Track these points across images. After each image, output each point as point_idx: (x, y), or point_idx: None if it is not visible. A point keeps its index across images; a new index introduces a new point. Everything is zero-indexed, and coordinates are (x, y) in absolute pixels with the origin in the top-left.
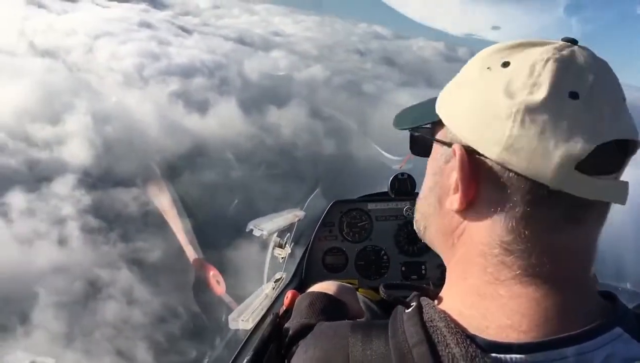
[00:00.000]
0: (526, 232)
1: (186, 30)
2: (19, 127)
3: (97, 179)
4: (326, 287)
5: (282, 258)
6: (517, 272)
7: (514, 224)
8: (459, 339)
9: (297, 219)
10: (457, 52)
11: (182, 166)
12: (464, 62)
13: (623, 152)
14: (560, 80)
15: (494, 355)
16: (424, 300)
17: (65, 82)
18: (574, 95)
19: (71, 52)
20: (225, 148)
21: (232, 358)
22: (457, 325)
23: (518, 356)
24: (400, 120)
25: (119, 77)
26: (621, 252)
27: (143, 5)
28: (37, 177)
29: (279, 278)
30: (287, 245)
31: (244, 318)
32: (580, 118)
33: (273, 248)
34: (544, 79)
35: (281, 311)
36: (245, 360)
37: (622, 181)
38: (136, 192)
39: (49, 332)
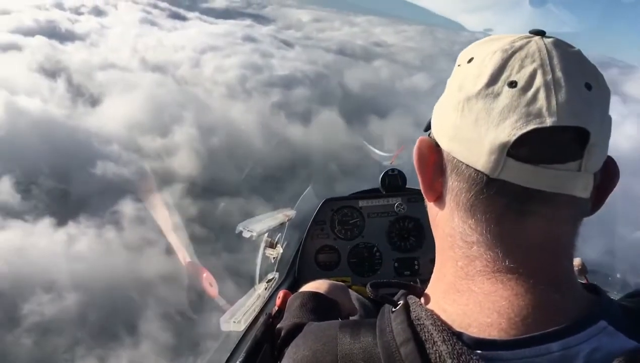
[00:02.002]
0: (473, 222)
1: (288, 44)
2: (131, 138)
3: (203, 189)
4: (318, 286)
5: (274, 258)
6: (483, 266)
7: (463, 214)
8: (445, 337)
9: (287, 219)
10: None
11: (284, 178)
12: None
13: (579, 141)
14: (500, 70)
15: (479, 352)
16: (411, 299)
17: (173, 95)
18: (512, 84)
19: (179, 67)
20: (328, 159)
21: (225, 360)
22: (443, 323)
23: (503, 352)
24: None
25: (224, 90)
26: None
27: (248, 21)
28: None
29: (271, 279)
30: (278, 244)
31: (236, 319)
32: (513, 105)
33: (264, 249)
34: (487, 70)
35: (274, 311)
36: (238, 362)
37: (579, 172)
38: (241, 202)
39: (156, 343)
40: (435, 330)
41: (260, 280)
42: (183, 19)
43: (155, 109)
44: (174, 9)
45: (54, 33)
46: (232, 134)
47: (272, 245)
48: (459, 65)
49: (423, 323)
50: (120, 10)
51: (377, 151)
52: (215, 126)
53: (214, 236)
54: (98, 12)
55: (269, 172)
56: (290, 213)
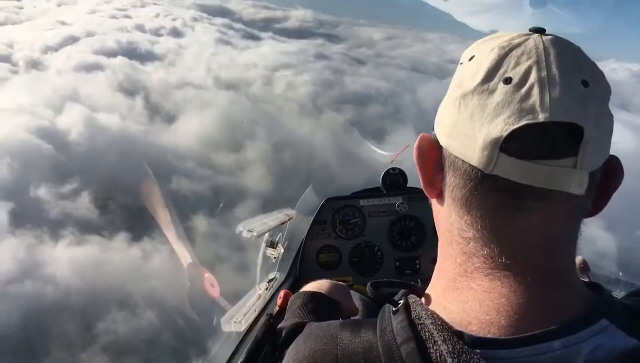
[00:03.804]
0: (468, 218)
1: (360, 62)
2: (205, 155)
3: (275, 206)
4: (319, 285)
5: (275, 258)
6: (480, 263)
7: (459, 210)
8: (445, 336)
9: (288, 219)
10: None
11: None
12: None
13: (573, 137)
14: (496, 67)
15: (480, 351)
16: (411, 298)
17: (246, 112)
18: (507, 80)
19: (252, 84)
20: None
21: (226, 360)
22: (444, 322)
23: (504, 351)
24: None
25: (295, 107)
26: None
27: (320, 40)
28: (220, 203)
29: (272, 279)
30: (279, 244)
31: (237, 320)
32: (507, 101)
33: (265, 249)
34: (484, 67)
35: (275, 311)
36: (239, 362)
37: (575, 169)
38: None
39: None
40: (436, 329)
41: (261, 280)
42: (257, 38)
43: (229, 126)
44: (249, 29)
45: (134, 54)
46: (304, 150)
47: (273, 245)
48: (461, 63)
49: (423, 323)
50: (197, 32)
51: (377, 150)
52: (288, 143)
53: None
54: (176, 33)
55: (339, 188)
56: (291, 213)
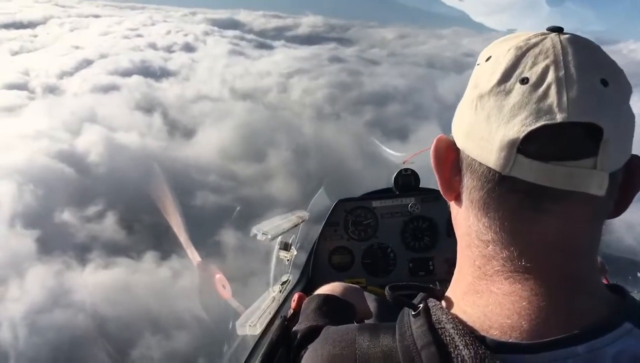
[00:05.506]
0: (487, 220)
1: (375, 62)
2: (227, 167)
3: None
4: (333, 288)
5: (288, 260)
6: (500, 266)
7: (477, 212)
8: (467, 341)
9: (301, 220)
10: None
11: None
12: None
13: (592, 138)
14: (513, 67)
15: (502, 355)
16: (431, 302)
17: (264, 121)
18: (523, 81)
19: (268, 93)
20: (431, 175)
21: None
22: (465, 325)
23: (526, 356)
24: None
25: (313, 112)
26: None
27: (332, 45)
28: (247, 215)
29: (286, 281)
30: (292, 247)
31: (252, 323)
32: (524, 102)
33: (278, 251)
34: (500, 68)
35: (289, 314)
36: None
37: (594, 170)
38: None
39: None
40: (457, 334)
41: (275, 283)
42: (269, 47)
43: (248, 136)
44: (260, 39)
45: (148, 72)
46: (327, 155)
47: (286, 247)
48: (478, 64)
49: (444, 327)
50: (209, 45)
51: (389, 151)
52: (310, 148)
53: None
54: (189, 48)
55: (355, 189)
56: (304, 214)
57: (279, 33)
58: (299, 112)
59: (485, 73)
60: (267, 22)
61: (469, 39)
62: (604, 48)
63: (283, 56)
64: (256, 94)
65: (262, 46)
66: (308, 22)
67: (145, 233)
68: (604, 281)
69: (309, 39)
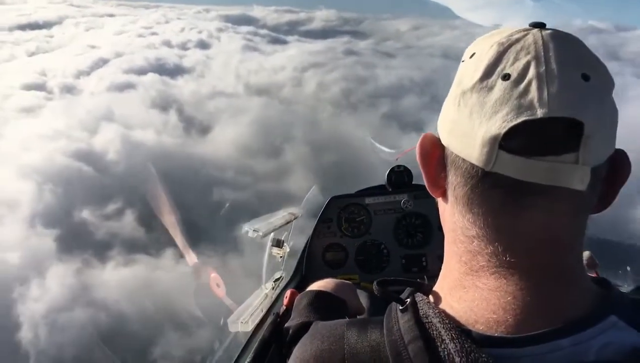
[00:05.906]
0: (471, 216)
1: (390, 55)
2: (244, 163)
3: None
4: (325, 284)
5: (281, 257)
6: (485, 261)
7: (462, 208)
8: (453, 335)
9: (293, 217)
10: None
11: None
12: None
13: (573, 132)
14: (495, 64)
15: (488, 349)
16: (418, 296)
17: (280, 115)
18: (505, 77)
19: (282, 88)
20: None
21: (234, 360)
22: (452, 320)
23: (512, 350)
24: None
25: (329, 106)
26: None
27: (346, 38)
28: (266, 210)
29: (279, 278)
30: (285, 243)
31: (244, 320)
32: (505, 98)
33: (271, 248)
34: (483, 64)
35: (281, 311)
36: (246, 362)
37: (576, 165)
38: None
39: None
40: (443, 328)
41: (267, 280)
42: (283, 42)
43: (264, 131)
44: (274, 34)
45: (164, 69)
46: (344, 149)
47: (278, 244)
48: (462, 61)
49: (431, 321)
50: (223, 41)
51: (382, 147)
52: (326, 143)
53: None
54: (203, 45)
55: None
56: (296, 211)
57: (292, 28)
58: (314, 106)
59: (468, 70)
60: (280, 17)
61: (481, 29)
62: (622, 34)
63: (297, 51)
64: (271, 89)
65: (275, 41)
66: (321, 16)
67: (164, 230)
68: (594, 275)
69: (323, 33)
